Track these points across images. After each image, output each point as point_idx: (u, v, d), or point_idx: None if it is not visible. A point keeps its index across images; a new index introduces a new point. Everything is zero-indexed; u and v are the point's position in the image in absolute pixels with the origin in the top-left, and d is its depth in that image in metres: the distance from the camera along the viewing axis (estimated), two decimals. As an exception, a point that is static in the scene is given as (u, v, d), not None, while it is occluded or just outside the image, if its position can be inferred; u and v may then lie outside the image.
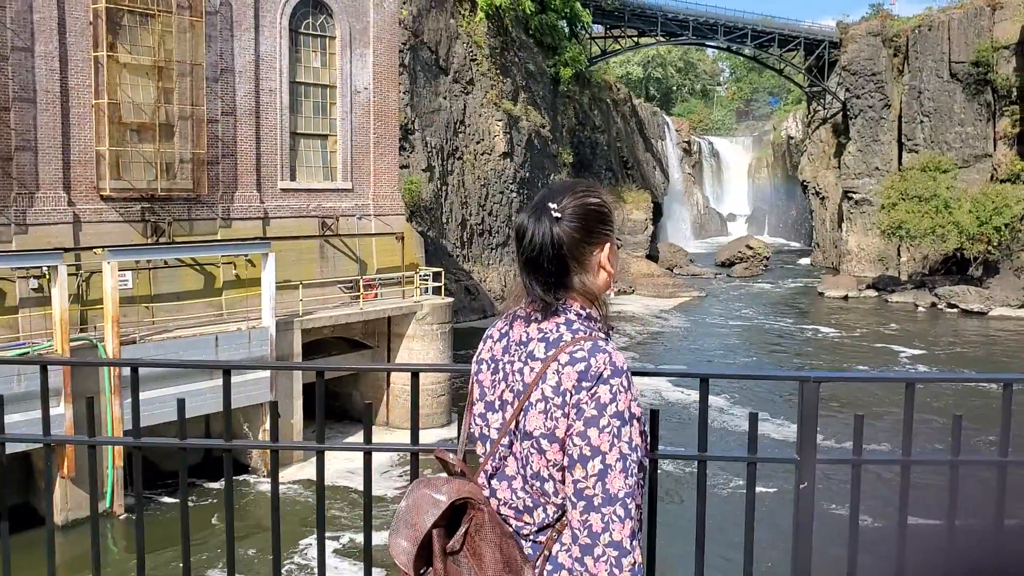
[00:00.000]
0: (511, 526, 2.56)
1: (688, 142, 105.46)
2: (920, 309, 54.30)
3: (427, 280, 31.08)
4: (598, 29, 70.62)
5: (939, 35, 60.80)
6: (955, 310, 52.57)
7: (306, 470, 25.03)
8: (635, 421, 2.40)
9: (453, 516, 2.51)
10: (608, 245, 2.56)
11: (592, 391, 2.36)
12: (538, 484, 2.47)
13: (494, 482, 2.59)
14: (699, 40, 74.26)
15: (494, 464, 2.58)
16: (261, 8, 27.00)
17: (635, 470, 2.37)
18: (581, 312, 2.52)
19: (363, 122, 29.59)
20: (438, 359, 29.54)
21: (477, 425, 2.64)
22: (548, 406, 2.41)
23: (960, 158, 59.62)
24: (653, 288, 60.32)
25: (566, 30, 62.07)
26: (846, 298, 58.21)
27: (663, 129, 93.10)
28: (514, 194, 53.74)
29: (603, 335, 2.50)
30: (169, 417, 21.94)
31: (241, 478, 25.78)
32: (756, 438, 3.27)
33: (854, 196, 66.46)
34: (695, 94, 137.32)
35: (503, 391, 2.56)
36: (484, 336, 2.73)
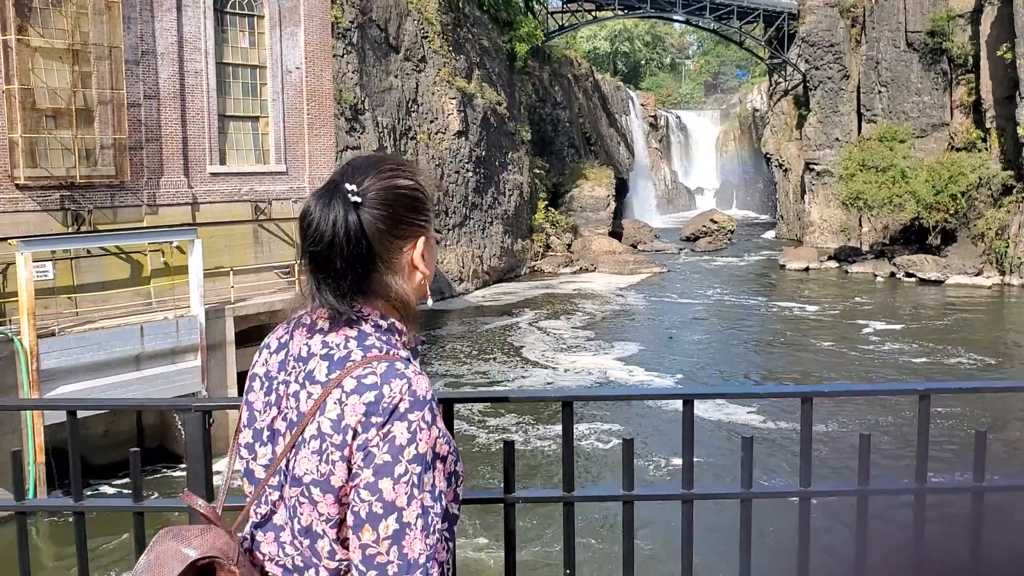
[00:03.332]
0: None
1: (655, 116, 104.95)
2: (879, 279, 54.32)
3: (368, 263, 30.55)
4: (555, 3, 69.91)
5: (895, 5, 60.51)
6: (913, 279, 52.62)
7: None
8: (439, 463, 1.94)
9: None
10: (423, 240, 2.09)
11: (384, 429, 1.89)
12: (308, 542, 1.98)
13: (260, 533, 2.09)
14: (658, 13, 73.60)
15: (259, 510, 2.09)
16: (183, -13, 26.27)
17: (439, 525, 1.92)
18: (381, 323, 2.04)
19: (296, 103, 28.95)
20: (379, 343, 29.05)
21: (243, 458, 2.12)
22: (324, 446, 1.92)
23: (918, 127, 59.54)
24: (615, 265, 59.99)
25: (521, 5, 61.26)
26: (807, 270, 58.15)
27: (627, 104, 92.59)
28: (470, 173, 53.18)
29: (404, 355, 2.01)
30: (97, 410, 21.51)
31: (179, 474, 25.20)
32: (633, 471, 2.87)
33: (815, 168, 66.33)
34: (664, 68, 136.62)
35: (275, 418, 2.06)
36: (262, 344, 2.20)
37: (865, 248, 60.75)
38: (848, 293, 50.37)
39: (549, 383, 32.16)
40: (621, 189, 74.29)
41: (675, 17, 75.29)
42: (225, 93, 27.68)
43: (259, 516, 2.09)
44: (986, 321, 43.06)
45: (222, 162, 27.57)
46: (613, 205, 67.71)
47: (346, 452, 1.90)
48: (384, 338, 2.02)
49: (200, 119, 26.83)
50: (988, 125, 55.00)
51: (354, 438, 1.90)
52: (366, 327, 2.02)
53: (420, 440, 1.89)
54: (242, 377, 25.65)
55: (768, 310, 46.78)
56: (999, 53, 52.05)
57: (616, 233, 68.21)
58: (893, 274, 54.34)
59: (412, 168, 2.14)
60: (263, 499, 2.08)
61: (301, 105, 29.07)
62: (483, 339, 39.62)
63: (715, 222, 74.36)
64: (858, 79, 63.96)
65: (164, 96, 26.02)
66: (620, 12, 71.49)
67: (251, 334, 27.85)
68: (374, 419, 1.88)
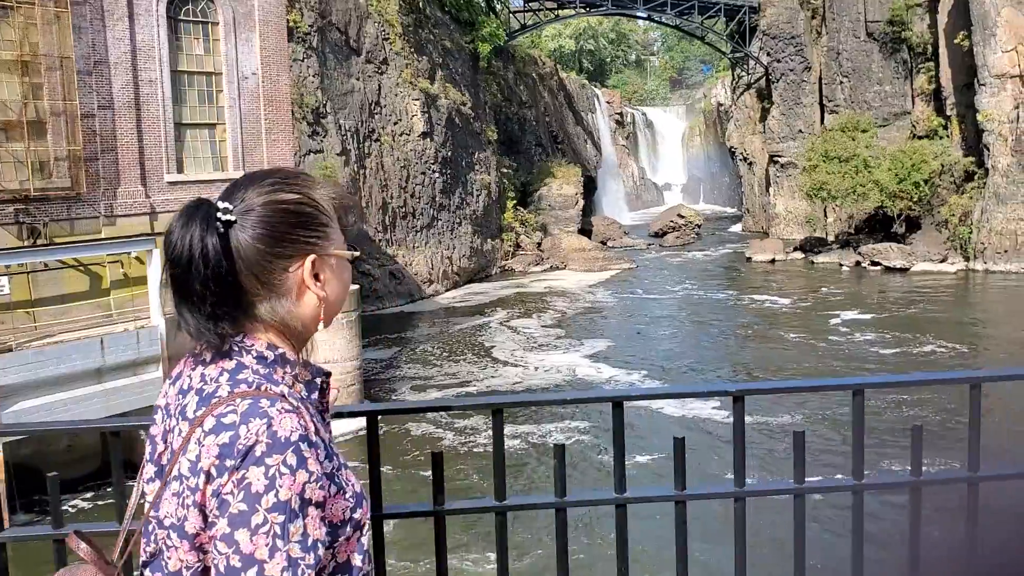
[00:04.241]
0: None
1: (620, 113, 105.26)
2: (845, 268, 54.76)
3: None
4: (517, 3, 69.88)
5: (854, -5, 61.08)
6: (878, 267, 53.04)
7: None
8: (312, 508, 1.77)
9: None
10: (312, 258, 1.92)
11: (239, 475, 1.72)
12: None
13: (147, 573, 1.96)
14: (619, 10, 73.73)
15: (147, 549, 1.96)
16: (134, -5, 25.94)
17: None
18: (266, 354, 1.89)
19: (253, 109, 28.69)
20: (345, 348, 28.90)
21: (143, 494, 2.01)
22: (181, 488, 1.80)
23: (880, 117, 60.10)
24: (585, 263, 60.07)
25: (483, 5, 61.16)
26: (773, 261, 58.47)
27: (593, 102, 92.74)
28: (436, 174, 53.03)
29: (279, 390, 1.85)
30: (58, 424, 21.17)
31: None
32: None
33: (779, 160, 66.77)
34: (629, 65, 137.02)
35: (163, 452, 1.96)
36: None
37: (831, 238, 61.23)
38: (815, 283, 50.72)
39: (518, 382, 32.11)
40: (589, 187, 74.36)
41: (637, 13, 75.41)
42: (181, 101, 27.38)
43: (147, 554, 1.97)
44: (953, 307, 43.47)
45: (179, 171, 27.29)
46: (582, 203, 67.78)
47: (198, 497, 1.77)
48: (265, 371, 1.87)
49: (156, 128, 26.52)
50: (949, 112, 55.61)
51: (207, 483, 1.76)
52: (246, 359, 1.87)
53: (280, 487, 1.72)
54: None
55: (736, 303, 46.98)
56: (957, 41, 52.64)
57: (586, 230, 68.33)
58: (859, 263, 54.78)
59: (305, 181, 1.97)
60: (151, 537, 1.94)
61: (258, 111, 28.82)
62: (453, 340, 39.50)
63: (682, 217, 74.64)
64: (820, 70, 64.47)
65: (119, 106, 25.69)
66: (581, 9, 71.61)
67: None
68: (228, 463, 1.73)
